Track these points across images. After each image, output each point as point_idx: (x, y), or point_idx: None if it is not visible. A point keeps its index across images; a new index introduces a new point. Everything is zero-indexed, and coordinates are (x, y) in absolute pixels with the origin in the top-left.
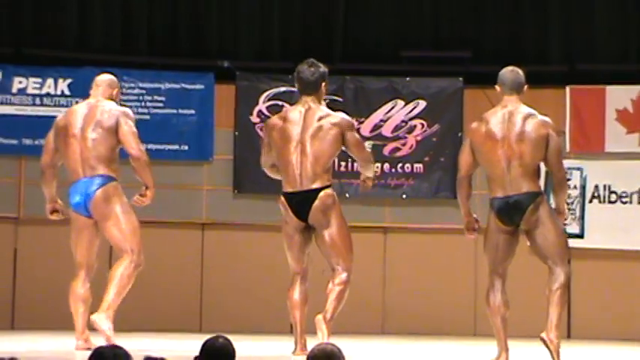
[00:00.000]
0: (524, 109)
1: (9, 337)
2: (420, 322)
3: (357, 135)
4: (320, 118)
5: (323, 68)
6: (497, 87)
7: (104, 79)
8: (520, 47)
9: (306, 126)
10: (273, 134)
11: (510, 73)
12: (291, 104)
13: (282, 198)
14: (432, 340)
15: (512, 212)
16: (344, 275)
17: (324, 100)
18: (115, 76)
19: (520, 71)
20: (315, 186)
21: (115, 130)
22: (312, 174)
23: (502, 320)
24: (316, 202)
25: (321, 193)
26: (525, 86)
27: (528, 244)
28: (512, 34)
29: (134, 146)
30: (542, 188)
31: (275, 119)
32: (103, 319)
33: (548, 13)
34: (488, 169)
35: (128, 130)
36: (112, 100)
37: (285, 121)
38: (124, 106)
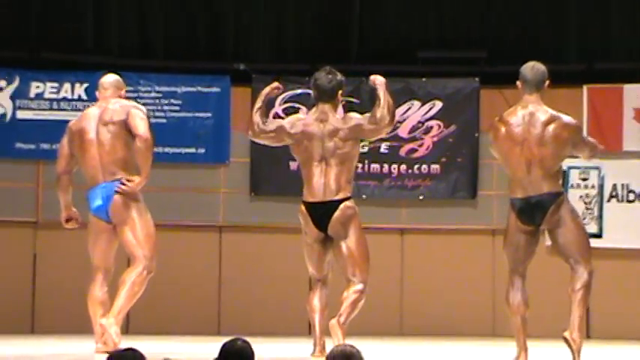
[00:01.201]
0: (545, 111)
1: (29, 341)
2: (438, 322)
3: (368, 124)
4: (339, 130)
5: (340, 76)
6: (518, 83)
7: (110, 80)
8: (536, 46)
9: (328, 139)
10: (294, 135)
11: (531, 70)
12: (307, 107)
13: (303, 207)
14: (450, 340)
15: (534, 212)
16: (360, 286)
17: (341, 102)
18: (120, 76)
19: (541, 67)
20: (337, 197)
21: (126, 124)
22: (335, 186)
23: (522, 320)
24: (337, 213)
25: (342, 205)
26: (547, 82)
27: (548, 243)
28: (528, 34)
29: (141, 127)
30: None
31: (298, 124)
32: (111, 324)
33: (564, 11)
34: (508, 169)
35: (137, 116)
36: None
37: (306, 133)
38: None
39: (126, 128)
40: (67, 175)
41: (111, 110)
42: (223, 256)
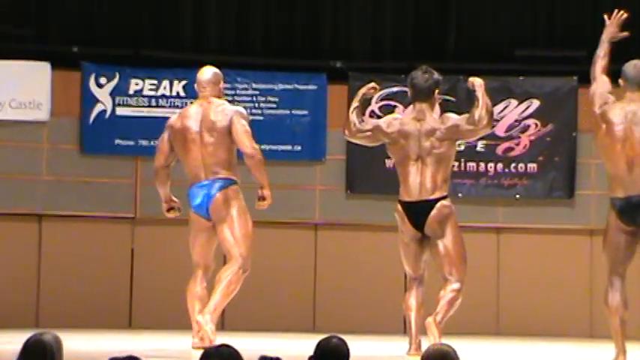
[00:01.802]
0: None
1: (126, 336)
2: (534, 322)
3: (466, 124)
4: (436, 130)
5: (437, 75)
6: (620, 81)
7: (207, 78)
8: (637, 46)
9: (425, 138)
10: (391, 134)
11: (634, 68)
12: (404, 105)
13: (399, 207)
14: (546, 340)
15: (635, 212)
16: (456, 285)
17: (438, 101)
18: (219, 68)
19: None
20: (433, 196)
21: (229, 131)
22: (432, 185)
23: (620, 321)
24: (433, 212)
25: (438, 204)
26: None
27: None
28: (629, 32)
29: (247, 144)
30: None
31: (395, 123)
32: (207, 321)
33: None
34: (608, 165)
35: (241, 129)
36: (219, 94)
37: (403, 132)
38: (235, 103)
39: (229, 135)
40: (165, 170)
41: (213, 114)
42: (319, 253)
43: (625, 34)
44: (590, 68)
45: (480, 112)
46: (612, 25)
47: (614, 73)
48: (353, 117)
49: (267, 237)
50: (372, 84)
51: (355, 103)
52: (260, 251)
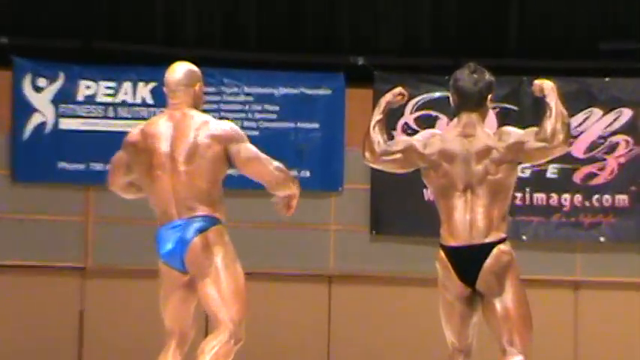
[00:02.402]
0: None
1: None
2: None
3: (535, 141)
4: (491, 149)
5: (489, 76)
6: None
7: (177, 78)
8: None
9: (475, 161)
10: (429, 156)
11: None
12: (448, 115)
13: (442, 254)
14: None
15: None
16: (519, 357)
17: (493, 108)
18: (196, 65)
19: None
20: (488, 240)
21: (222, 159)
22: (485, 223)
23: None
24: (489, 261)
25: (496, 250)
26: None
27: None
28: None
29: (269, 173)
30: None
31: (434, 142)
32: None
33: None
34: None
35: (249, 156)
36: (196, 100)
37: (446, 153)
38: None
39: (220, 164)
40: (128, 188)
41: (193, 134)
42: (333, 312)
43: None
44: None
45: (553, 124)
46: None
47: None
48: (375, 134)
49: (268, 291)
50: (399, 89)
51: (378, 116)
52: (261, 310)
